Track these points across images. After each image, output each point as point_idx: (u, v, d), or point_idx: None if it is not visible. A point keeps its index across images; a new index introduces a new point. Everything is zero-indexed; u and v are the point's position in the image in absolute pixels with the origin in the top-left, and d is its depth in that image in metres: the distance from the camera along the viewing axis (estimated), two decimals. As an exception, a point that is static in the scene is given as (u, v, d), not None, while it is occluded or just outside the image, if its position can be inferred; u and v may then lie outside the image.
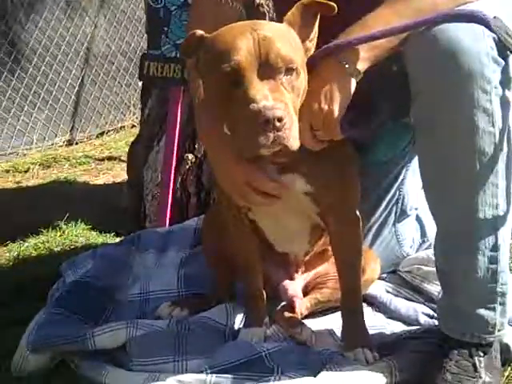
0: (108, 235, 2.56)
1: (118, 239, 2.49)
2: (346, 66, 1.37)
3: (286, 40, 1.37)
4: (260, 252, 1.78)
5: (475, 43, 1.31)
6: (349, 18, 1.41)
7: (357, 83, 1.41)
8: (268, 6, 2.44)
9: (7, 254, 2.46)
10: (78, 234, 2.55)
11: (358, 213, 1.65)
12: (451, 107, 1.35)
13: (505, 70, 1.34)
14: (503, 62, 1.34)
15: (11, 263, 2.37)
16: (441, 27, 1.33)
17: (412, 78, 1.41)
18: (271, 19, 2.46)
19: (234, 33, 1.37)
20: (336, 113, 1.40)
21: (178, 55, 2.38)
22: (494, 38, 1.32)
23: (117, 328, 1.68)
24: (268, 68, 1.33)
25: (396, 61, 1.48)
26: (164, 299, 1.89)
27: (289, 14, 1.42)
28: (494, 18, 1.30)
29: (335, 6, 1.36)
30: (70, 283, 1.93)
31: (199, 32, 1.43)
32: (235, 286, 1.92)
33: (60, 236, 2.53)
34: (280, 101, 1.31)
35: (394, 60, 1.46)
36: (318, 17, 1.42)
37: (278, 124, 1.29)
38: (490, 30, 1.31)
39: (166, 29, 2.38)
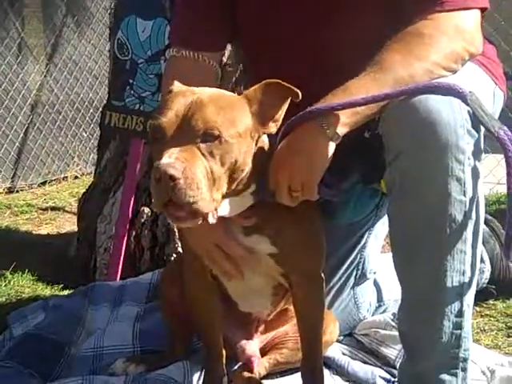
0: (56, 287, 2.46)
1: (66, 291, 2.40)
2: (327, 130, 1.39)
3: (221, 108, 1.33)
4: (221, 309, 1.75)
5: (452, 115, 1.36)
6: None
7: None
8: (235, 67, 2.49)
9: None
10: (24, 284, 2.44)
11: (322, 274, 1.65)
12: (426, 175, 1.38)
13: (477, 142, 1.41)
14: (476, 135, 1.40)
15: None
16: (421, 98, 1.37)
17: (389, 144, 1.44)
18: (237, 80, 2.54)
19: (180, 93, 1.37)
20: (315, 176, 1.41)
21: (142, 108, 2.38)
22: (468, 112, 1.38)
23: (71, 384, 1.62)
24: (186, 130, 1.30)
25: (369, 128, 1.52)
26: (118, 355, 1.83)
27: (251, 89, 1.41)
28: (470, 92, 1.36)
29: (299, 92, 1.35)
30: (21, 335, 1.84)
31: (171, 88, 1.42)
32: (193, 343, 1.88)
33: (5, 286, 2.42)
34: (184, 161, 1.25)
35: (367, 126, 1.50)
36: (288, 101, 1.40)
37: (170, 183, 1.23)
38: (466, 103, 1.36)
39: (130, 81, 2.39)
